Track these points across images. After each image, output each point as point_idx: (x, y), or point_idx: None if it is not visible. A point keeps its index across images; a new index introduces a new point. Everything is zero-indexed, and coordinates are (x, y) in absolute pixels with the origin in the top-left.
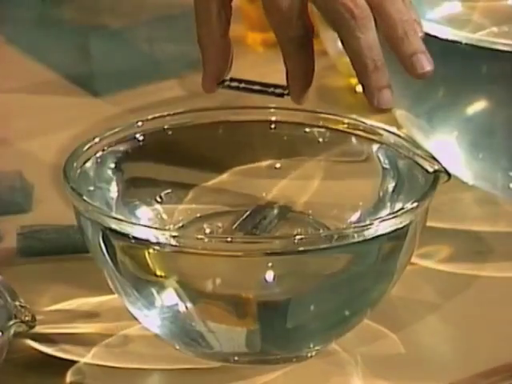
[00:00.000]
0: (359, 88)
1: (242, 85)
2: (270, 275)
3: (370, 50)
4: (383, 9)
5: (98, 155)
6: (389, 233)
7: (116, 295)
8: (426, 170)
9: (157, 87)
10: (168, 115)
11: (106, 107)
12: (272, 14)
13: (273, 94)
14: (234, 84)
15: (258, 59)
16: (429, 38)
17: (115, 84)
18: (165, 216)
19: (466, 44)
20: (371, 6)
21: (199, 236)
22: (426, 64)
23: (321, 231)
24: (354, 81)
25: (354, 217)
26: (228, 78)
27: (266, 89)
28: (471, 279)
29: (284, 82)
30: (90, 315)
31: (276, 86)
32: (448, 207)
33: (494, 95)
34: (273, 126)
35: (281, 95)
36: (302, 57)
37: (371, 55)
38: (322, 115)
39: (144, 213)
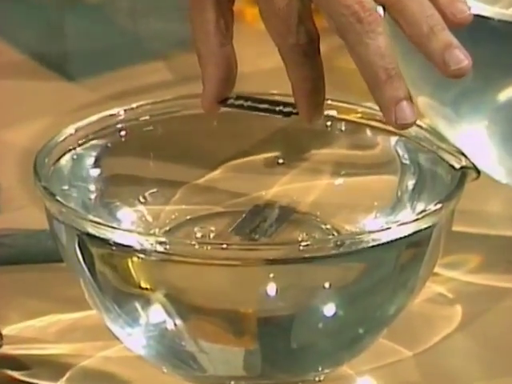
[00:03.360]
0: None
1: (248, 103)
2: (271, 287)
3: (381, 57)
4: (402, 5)
5: (73, 149)
6: (409, 238)
7: (94, 311)
8: (452, 166)
9: (141, 70)
10: (154, 103)
11: (82, 93)
12: (269, 18)
13: (281, 113)
14: (239, 102)
15: (258, 36)
16: None
17: (93, 66)
18: (150, 218)
19: (498, 21)
20: (388, 4)
21: (190, 242)
22: (461, 58)
23: (330, 236)
24: None
25: (369, 219)
26: (234, 95)
27: (273, 107)
28: (503, 292)
29: None
30: (65, 334)
31: (285, 104)
32: (477, 209)
33: None
34: None
35: (288, 114)
36: (306, 68)
37: (383, 63)
38: (332, 103)
39: (126, 215)
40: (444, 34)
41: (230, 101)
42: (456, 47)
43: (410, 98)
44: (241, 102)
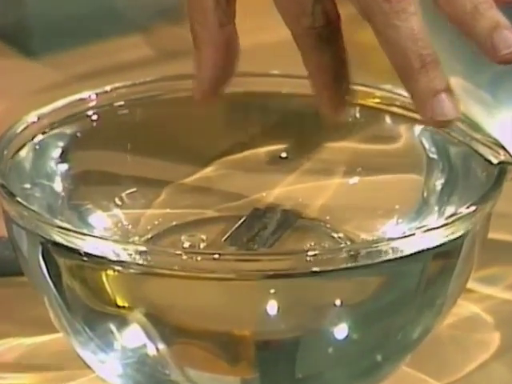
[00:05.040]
0: None
1: None
2: (272, 305)
3: (414, 41)
4: None
5: (36, 140)
6: (436, 248)
7: (61, 333)
8: (489, 162)
9: (116, 45)
10: (132, 85)
11: (45, 72)
12: None
13: None
14: None
15: (258, 5)
16: None
17: (58, 41)
18: (128, 224)
19: None
20: None
21: (175, 252)
22: None
23: (342, 245)
24: None
25: (389, 226)
26: None
27: None
28: None
29: None
30: (26, 360)
31: None
32: None
33: None
34: (277, 100)
35: None
36: (325, 55)
37: (416, 49)
38: None
39: (99, 220)
40: (491, 12)
41: None
42: (506, 28)
43: (450, 90)
44: None
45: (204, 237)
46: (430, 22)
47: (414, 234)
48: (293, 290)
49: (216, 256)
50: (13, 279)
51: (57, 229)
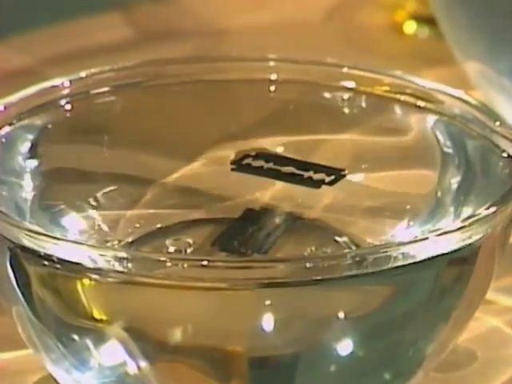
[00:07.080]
0: (409, 27)
1: (270, 165)
2: (267, 318)
3: None
4: None
5: (2, 132)
6: (452, 253)
7: (30, 350)
8: (511, 157)
9: (90, 25)
10: (110, 70)
11: (9, 56)
12: None
13: (309, 182)
14: (258, 163)
15: None
16: None
17: (23, 20)
18: (105, 227)
19: None
20: None
21: (159, 258)
22: None
23: (346, 250)
24: (402, 15)
25: (398, 229)
26: (253, 152)
27: (301, 172)
28: None
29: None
30: None
31: (318, 168)
32: None
33: None
34: (273, 87)
35: (318, 185)
36: None
37: None
38: (350, 71)
39: (74, 222)
40: None
41: (246, 160)
42: None
43: None
44: (261, 162)
45: (191, 241)
46: (448, 2)
47: (427, 238)
48: (291, 300)
49: (204, 263)
50: None
51: (26, 232)
